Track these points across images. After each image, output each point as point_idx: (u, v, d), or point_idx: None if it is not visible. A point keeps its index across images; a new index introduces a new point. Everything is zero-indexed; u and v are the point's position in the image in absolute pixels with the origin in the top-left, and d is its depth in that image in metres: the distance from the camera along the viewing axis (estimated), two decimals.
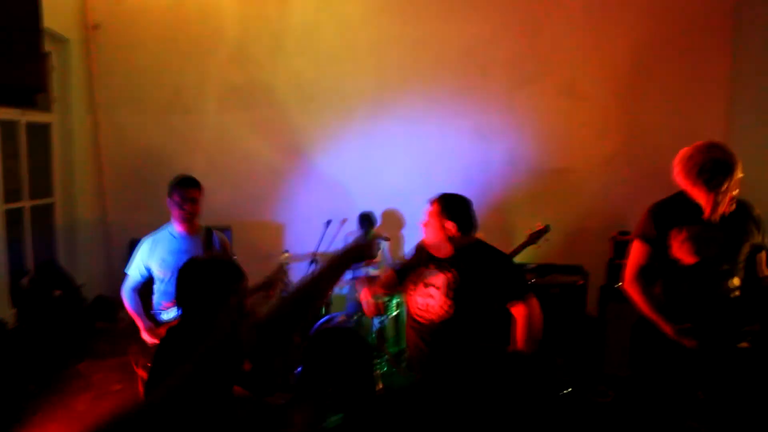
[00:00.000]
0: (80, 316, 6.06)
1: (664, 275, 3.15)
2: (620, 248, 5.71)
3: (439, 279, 3.36)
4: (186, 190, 4.10)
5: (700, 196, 3.03)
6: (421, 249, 3.55)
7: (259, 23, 6.61)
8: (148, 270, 4.16)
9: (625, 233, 5.81)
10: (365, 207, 6.21)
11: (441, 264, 3.37)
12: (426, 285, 3.40)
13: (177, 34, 6.64)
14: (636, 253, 3.21)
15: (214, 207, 6.45)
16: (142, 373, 4.04)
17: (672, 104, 6.33)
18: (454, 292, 3.28)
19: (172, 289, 4.12)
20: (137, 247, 4.25)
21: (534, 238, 4.73)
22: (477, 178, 6.47)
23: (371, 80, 6.59)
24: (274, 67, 6.63)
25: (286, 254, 5.98)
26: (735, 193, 3.04)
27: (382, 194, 6.57)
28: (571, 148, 6.53)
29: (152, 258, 4.14)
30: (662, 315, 3.06)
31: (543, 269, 5.79)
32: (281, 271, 4.33)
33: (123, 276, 5.41)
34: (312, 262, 6.06)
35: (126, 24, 6.65)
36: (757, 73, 5.96)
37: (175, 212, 4.13)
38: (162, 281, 4.15)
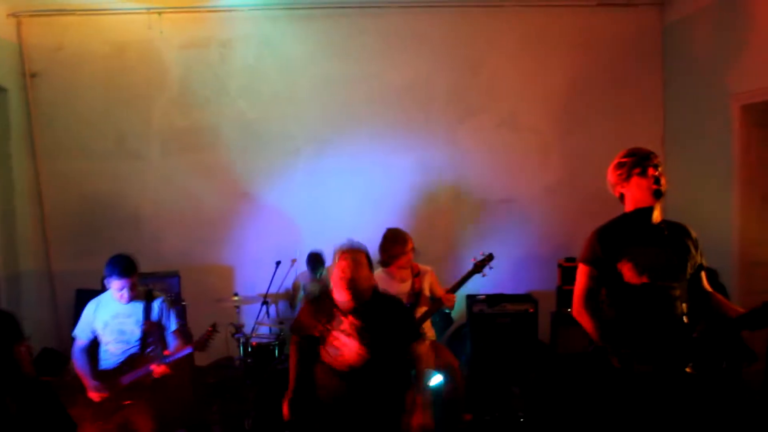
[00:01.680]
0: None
1: (614, 299, 3.15)
2: (567, 274, 5.84)
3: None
4: (123, 281, 4.18)
5: (639, 189, 3.10)
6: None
7: (201, 67, 6.62)
8: (93, 332, 4.28)
9: (570, 259, 5.94)
10: (314, 245, 6.19)
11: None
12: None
13: (118, 80, 6.59)
14: (582, 277, 3.18)
15: (161, 252, 6.42)
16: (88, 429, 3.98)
17: (610, 131, 6.55)
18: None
19: (117, 350, 4.18)
20: (84, 310, 4.35)
21: (479, 266, 4.79)
22: (423, 211, 6.57)
23: (315, 119, 6.65)
24: (218, 110, 6.63)
25: (236, 297, 5.92)
26: (664, 182, 3.11)
27: (330, 231, 6.51)
28: (514, 179, 6.69)
29: (96, 321, 4.26)
30: (612, 343, 3.05)
31: (493, 299, 5.86)
32: (212, 332, 4.41)
33: (69, 327, 5.29)
34: (263, 303, 6.01)
35: (66, 72, 6.57)
36: (687, 96, 6.21)
37: (114, 294, 4.23)
38: (106, 344, 4.25)
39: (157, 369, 4.12)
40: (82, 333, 4.28)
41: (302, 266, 6.31)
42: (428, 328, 4.86)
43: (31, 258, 6.57)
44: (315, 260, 6.11)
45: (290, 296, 6.38)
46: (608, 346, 3.06)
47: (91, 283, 6.05)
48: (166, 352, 4.26)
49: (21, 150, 6.49)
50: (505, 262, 6.13)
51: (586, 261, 3.17)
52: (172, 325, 4.37)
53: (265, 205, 6.67)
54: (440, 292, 4.82)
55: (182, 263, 6.34)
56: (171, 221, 6.62)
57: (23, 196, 6.51)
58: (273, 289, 6.11)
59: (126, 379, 4.14)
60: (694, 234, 3.25)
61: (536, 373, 5.71)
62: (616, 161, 3.20)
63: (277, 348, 5.55)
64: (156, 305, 4.32)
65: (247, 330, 5.86)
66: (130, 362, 4.18)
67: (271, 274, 6.11)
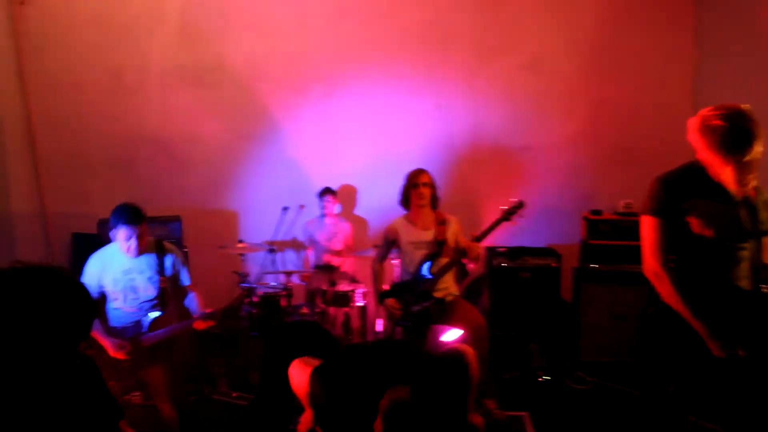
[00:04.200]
0: None
1: (677, 253, 2.84)
2: (594, 228, 5.53)
3: None
4: (130, 229, 3.76)
5: (722, 170, 2.72)
6: None
7: None
8: (101, 289, 3.89)
9: (596, 212, 5.62)
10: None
11: None
12: None
13: (115, 11, 6.11)
14: (651, 231, 2.85)
15: (161, 195, 6.10)
16: None
17: (637, 79, 6.17)
18: None
19: (128, 309, 3.88)
20: (86, 266, 3.91)
21: (508, 213, 4.44)
22: (440, 156, 6.21)
23: (326, 57, 6.21)
24: (222, 45, 6.19)
25: (241, 244, 5.61)
26: (757, 166, 2.71)
27: (341, 176, 6.25)
28: (536, 125, 6.31)
29: (104, 277, 3.87)
30: (694, 309, 2.74)
31: (514, 252, 5.55)
32: (241, 297, 4.18)
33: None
34: (270, 251, 5.71)
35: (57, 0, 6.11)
36: (719, 46, 5.83)
37: (122, 245, 3.81)
38: (115, 301, 3.91)
39: (202, 325, 3.85)
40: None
41: (311, 213, 6.00)
42: (450, 282, 4.56)
43: (24, 200, 6.21)
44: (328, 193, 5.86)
45: (299, 245, 6.08)
46: (690, 309, 2.75)
47: (87, 227, 5.73)
48: (206, 309, 3.94)
49: (10, 85, 6.06)
50: (520, 221, 5.82)
51: (653, 212, 2.82)
52: (186, 280, 4.06)
53: (272, 148, 6.29)
54: (465, 242, 4.49)
55: (183, 207, 5.98)
56: (171, 163, 6.26)
57: (14, 135, 6.12)
58: (279, 237, 5.82)
59: (149, 339, 3.82)
60: (766, 196, 2.90)
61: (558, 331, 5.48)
62: (721, 123, 2.67)
63: (284, 299, 5.27)
64: (168, 261, 3.98)
65: (252, 279, 5.59)
66: (154, 324, 3.86)
67: (278, 220, 5.80)
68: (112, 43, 6.17)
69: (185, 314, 4.00)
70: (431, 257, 4.44)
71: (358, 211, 6.38)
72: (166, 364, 3.80)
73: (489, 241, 5.71)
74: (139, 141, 6.25)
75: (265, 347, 5.03)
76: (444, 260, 4.45)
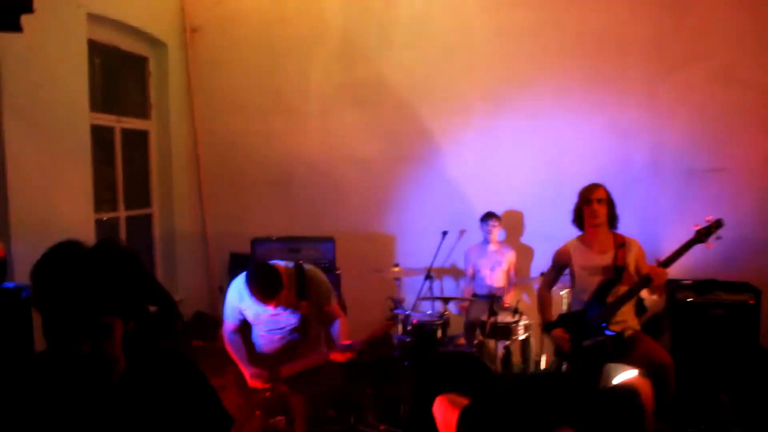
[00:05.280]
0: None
1: None
2: None
3: None
4: (266, 306, 3.62)
5: None
6: None
7: (364, 16, 6.09)
8: (242, 313, 3.85)
9: None
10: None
11: None
12: None
13: (277, 34, 6.23)
14: None
15: (317, 217, 6.00)
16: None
17: None
18: None
19: (272, 338, 3.78)
20: (227, 293, 3.91)
21: (703, 234, 3.80)
22: (614, 181, 5.54)
23: (491, 73, 5.90)
24: (382, 64, 6.08)
25: (397, 268, 5.33)
26: None
27: (504, 202, 5.83)
28: (728, 145, 5.59)
29: (245, 310, 3.83)
30: None
31: (703, 285, 4.85)
32: (384, 329, 3.77)
33: (222, 292, 4.98)
34: (427, 277, 5.38)
35: (224, 26, 6.31)
36: None
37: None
38: (256, 326, 3.88)
39: (340, 357, 3.67)
40: (230, 317, 3.87)
41: (472, 239, 5.62)
42: (629, 314, 3.98)
43: (186, 218, 6.39)
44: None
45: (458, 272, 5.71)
46: None
47: (243, 247, 5.73)
48: (344, 341, 3.73)
49: (179, 107, 6.31)
50: (715, 244, 5.10)
51: None
52: (326, 301, 3.86)
53: (433, 169, 6.04)
54: (647, 268, 3.89)
55: (338, 229, 5.85)
56: (329, 182, 6.20)
57: (180, 155, 6.32)
58: (438, 263, 5.48)
59: (288, 369, 3.69)
60: None
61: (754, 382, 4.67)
62: None
63: (440, 328, 4.90)
64: (310, 286, 3.78)
65: (407, 306, 5.29)
66: (291, 350, 3.74)
67: (437, 245, 5.47)
68: (274, 65, 6.29)
69: (330, 340, 3.79)
70: (609, 285, 3.89)
71: (524, 238, 5.93)
72: (306, 394, 3.61)
73: (671, 273, 5.06)
74: (296, 161, 6.26)
75: (414, 379, 4.69)
76: (623, 288, 3.88)
